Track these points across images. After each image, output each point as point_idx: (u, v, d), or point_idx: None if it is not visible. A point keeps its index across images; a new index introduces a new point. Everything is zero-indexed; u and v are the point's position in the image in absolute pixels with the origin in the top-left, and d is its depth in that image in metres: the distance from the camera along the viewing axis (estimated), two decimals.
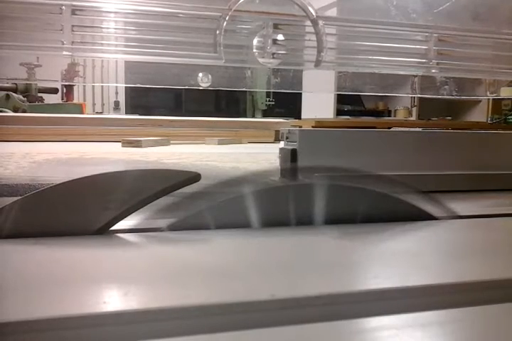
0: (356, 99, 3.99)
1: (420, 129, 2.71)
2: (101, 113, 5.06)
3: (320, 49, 0.82)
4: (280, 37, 0.83)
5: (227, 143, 2.07)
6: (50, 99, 3.99)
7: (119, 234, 0.37)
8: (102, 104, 5.46)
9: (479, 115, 3.73)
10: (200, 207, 0.39)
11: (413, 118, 3.72)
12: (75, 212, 0.36)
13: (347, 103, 3.88)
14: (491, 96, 1.21)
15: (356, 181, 0.48)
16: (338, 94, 3.27)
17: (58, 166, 1.06)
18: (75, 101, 4.31)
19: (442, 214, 0.45)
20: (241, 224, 0.39)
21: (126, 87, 5.12)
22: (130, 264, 0.30)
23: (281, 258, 0.32)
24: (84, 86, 5.27)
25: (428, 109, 3.76)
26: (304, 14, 0.81)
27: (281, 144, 0.68)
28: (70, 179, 0.37)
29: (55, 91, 3.95)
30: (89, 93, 5.38)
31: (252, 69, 0.91)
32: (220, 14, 0.77)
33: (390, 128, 2.96)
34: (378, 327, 0.22)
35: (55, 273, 0.27)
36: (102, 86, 5.53)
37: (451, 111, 3.88)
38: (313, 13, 0.81)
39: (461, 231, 0.40)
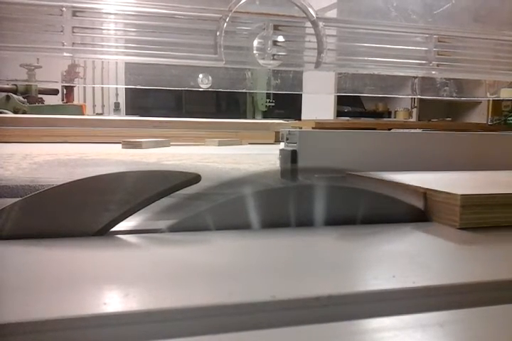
0: (356, 101, 3.99)
1: (420, 130, 2.71)
2: (101, 114, 5.06)
3: (320, 50, 0.83)
4: (280, 38, 0.83)
5: (227, 144, 2.08)
6: (50, 100, 3.99)
7: (119, 236, 0.37)
8: (102, 106, 5.46)
9: (479, 116, 3.73)
10: (201, 209, 0.39)
11: (413, 119, 3.72)
12: (75, 213, 0.36)
13: (347, 104, 3.88)
14: (491, 98, 1.21)
15: (356, 182, 0.48)
16: (338, 96, 3.27)
17: (58, 167, 1.06)
18: (75, 102, 4.31)
19: None
20: (241, 225, 0.39)
21: (126, 88, 5.12)
22: (130, 265, 0.30)
23: (281, 259, 0.32)
24: (84, 87, 5.28)
25: (428, 110, 3.76)
26: (304, 15, 0.81)
27: (282, 145, 0.68)
28: (70, 180, 0.37)
29: (55, 92, 3.96)
30: (89, 94, 5.38)
31: (252, 70, 0.92)
32: (220, 15, 0.77)
33: (390, 129, 2.96)
34: (379, 328, 0.22)
35: (56, 274, 0.27)
36: (102, 87, 5.53)
37: (451, 112, 3.88)
38: (314, 15, 0.81)
39: (461, 232, 0.40)
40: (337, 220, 0.41)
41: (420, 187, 0.45)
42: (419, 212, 0.44)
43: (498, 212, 0.42)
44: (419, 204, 0.44)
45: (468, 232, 0.40)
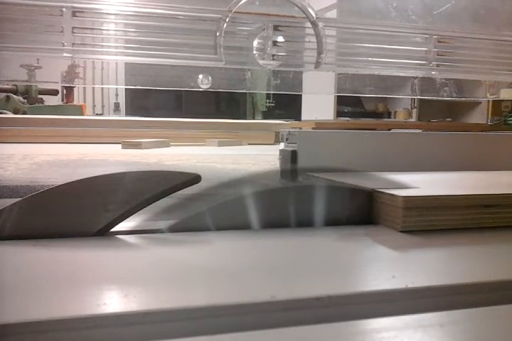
0: (356, 101, 3.99)
1: (420, 131, 2.71)
2: (101, 114, 5.06)
3: (320, 51, 0.83)
4: (280, 38, 0.83)
5: (227, 145, 2.07)
6: (50, 100, 3.99)
7: (119, 236, 0.37)
8: (102, 106, 5.46)
9: (479, 117, 3.73)
10: (201, 209, 0.39)
11: (413, 119, 3.73)
12: (75, 213, 0.36)
13: (347, 104, 3.88)
14: (491, 98, 1.21)
15: (356, 182, 0.48)
16: (338, 96, 3.27)
17: (58, 168, 1.06)
18: (75, 102, 4.31)
19: None
20: (241, 225, 0.39)
21: (126, 88, 5.12)
22: (130, 266, 0.30)
23: (281, 260, 0.32)
24: (84, 87, 5.28)
25: (428, 110, 3.76)
26: (304, 16, 0.81)
27: (282, 146, 0.68)
28: (70, 180, 0.37)
29: (55, 92, 3.95)
30: (89, 95, 5.38)
31: (252, 70, 0.92)
32: (220, 16, 0.77)
33: (390, 129, 2.97)
34: (378, 328, 0.22)
35: (55, 275, 0.27)
36: (102, 87, 5.53)
37: (451, 112, 3.88)
38: (313, 15, 0.82)
39: (460, 233, 0.40)
40: (336, 220, 0.41)
41: (367, 188, 0.43)
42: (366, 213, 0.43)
43: (444, 215, 0.39)
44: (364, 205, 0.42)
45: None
